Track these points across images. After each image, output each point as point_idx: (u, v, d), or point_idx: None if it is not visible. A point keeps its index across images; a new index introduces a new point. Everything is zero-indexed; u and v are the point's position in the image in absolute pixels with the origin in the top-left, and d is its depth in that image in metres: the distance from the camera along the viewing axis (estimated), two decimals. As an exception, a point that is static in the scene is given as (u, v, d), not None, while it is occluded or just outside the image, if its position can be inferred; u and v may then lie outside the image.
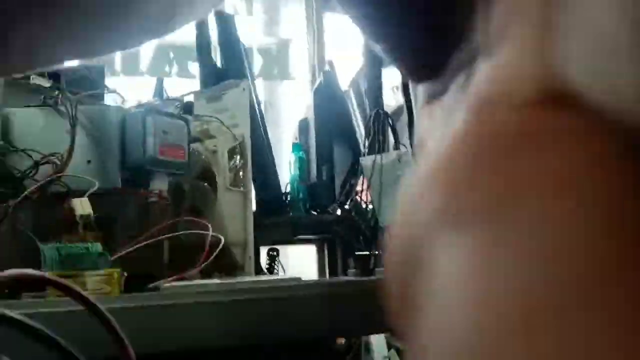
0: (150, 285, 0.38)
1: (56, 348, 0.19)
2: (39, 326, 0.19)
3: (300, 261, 2.21)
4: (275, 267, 1.66)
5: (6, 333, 0.22)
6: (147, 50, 2.86)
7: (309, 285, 0.43)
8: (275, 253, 1.76)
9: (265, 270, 1.43)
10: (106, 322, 0.21)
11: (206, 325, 0.34)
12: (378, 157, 1.91)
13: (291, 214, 1.98)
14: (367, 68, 2.22)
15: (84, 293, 0.22)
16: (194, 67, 2.87)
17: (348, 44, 2.90)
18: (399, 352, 1.18)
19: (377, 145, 1.95)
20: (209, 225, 0.67)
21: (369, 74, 2.19)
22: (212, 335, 0.34)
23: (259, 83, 2.66)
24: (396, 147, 1.92)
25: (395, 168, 1.86)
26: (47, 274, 0.21)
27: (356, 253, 2.00)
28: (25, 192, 0.57)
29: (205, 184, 0.79)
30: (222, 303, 0.33)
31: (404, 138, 1.97)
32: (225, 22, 2.01)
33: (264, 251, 1.70)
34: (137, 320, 0.24)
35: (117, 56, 2.80)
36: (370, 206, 1.96)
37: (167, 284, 0.45)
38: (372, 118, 1.96)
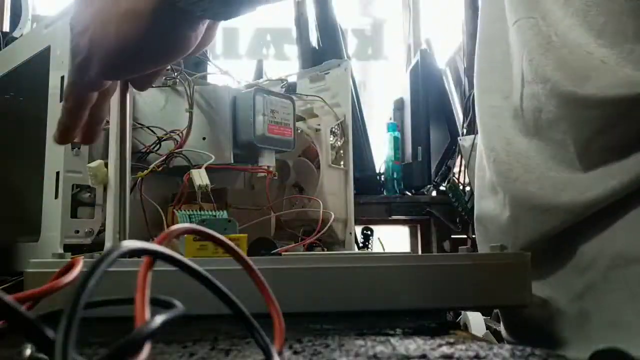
0: (273, 252, 0.40)
1: (216, 292, 0.22)
2: (205, 273, 0.22)
3: (393, 242, 2.21)
4: (370, 245, 1.68)
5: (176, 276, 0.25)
6: (245, 33, 2.96)
7: (423, 257, 0.44)
8: (369, 232, 1.78)
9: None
10: (259, 280, 0.24)
11: (332, 289, 0.36)
12: (477, 137, 1.86)
13: (385, 193, 1.98)
14: (466, 46, 2.16)
15: (243, 254, 0.24)
16: (290, 50, 2.93)
17: (445, 23, 2.82)
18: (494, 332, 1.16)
19: (476, 125, 1.90)
20: (320, 202, 0.69)
21: (468, 52, 2.13)
22: (337, 298, 0.37)
23: (353, 63, 2.66)
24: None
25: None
26: (222, 237, 0.23)
27: (452, 236, 1.97)
28: (152, 165, 0.62)
29: (308, 161, 0.82)
30: (347, 269, 0.35)
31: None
32: (323, 4, 2.03)
33: (358, 230, 1.73)
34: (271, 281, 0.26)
35: (219, 41, 2.92)
36: (468, 188, 1.92)
37: (283, 252, 0.48)
38: (471, 97, 1.91)
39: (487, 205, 0.55)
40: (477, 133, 1.91)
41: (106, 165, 0.57)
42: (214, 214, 0.53)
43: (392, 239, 2.11)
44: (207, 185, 0.59)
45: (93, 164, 0.57)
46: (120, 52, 0.38)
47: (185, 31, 0.39)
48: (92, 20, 0.39)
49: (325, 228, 0.64)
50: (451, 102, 2.11)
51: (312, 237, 0.60)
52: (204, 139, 0.70)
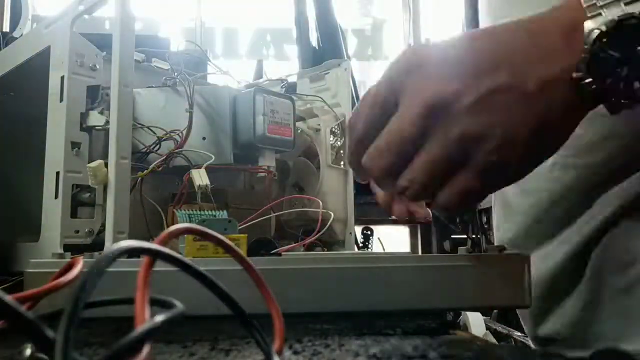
0: (272, 252, 0.40)
1: (217, 292, 0.22)
2: (206, 272, 0.22)
3: (393, 242, 2.21)
4: (370, 245, 1.68)
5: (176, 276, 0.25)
6: (245, 33, 2.96)
7: (423, 257, 0.44)
8: (369, 232, 1.78)
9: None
10: (259, 280, 0.24)
11: (332, 290, 0.36)
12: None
13: (385, 194, 1.99)
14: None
15: (243, 254, 0.24)
16: (290, 50, 2.93)
17: (445, 23, 2.82)
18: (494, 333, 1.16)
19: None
20: (320, 202, 0.70)
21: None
22: (337, 298, 0.37)
23: (353, 63, 2.66)
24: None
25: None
26: (222, 237, 0.23)
27: (452, 236, 1.97)
28: (152, 165, 0.62)
29: (308, 161, 0.82)
30: (347, 269, 0.35)
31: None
32: (323, 4, 2.04)
33: (358, 230, 1.73)
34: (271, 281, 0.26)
35: (219, 41, 2.92)
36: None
37: (283, 252, 0.48)
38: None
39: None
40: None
41: (106, 165, 0.57)
42: (214, 213, 0.53)
43: (392, 239, 2.11)
44: (207, 185, 0.59)
45: (93, 164, 0.57)
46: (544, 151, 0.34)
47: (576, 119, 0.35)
48: (529, 129, 0.33)
49: (325, 228, 0.64)
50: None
51: (312, 237, 0.60)
52: (204, 139, 0.70)
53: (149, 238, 0.62)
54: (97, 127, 0.62)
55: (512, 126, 0.32)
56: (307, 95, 0.86)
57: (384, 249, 1.14)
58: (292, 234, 0.78)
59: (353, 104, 1.10)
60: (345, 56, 1.96)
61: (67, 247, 0.57)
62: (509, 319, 1.77)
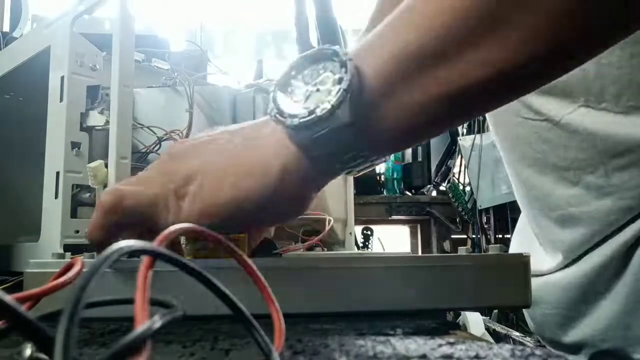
0: (274, 252, 0.40)
1: (217, 292, 0.22)
2: (203, 271, 0.22)
3: (393, 242, 2.21)
4: (370, 245, 1.68)
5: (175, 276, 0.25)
6: (246, 33, 2.96)
7: (423, 257, 0.44)
8: (369, 232, 1.78)
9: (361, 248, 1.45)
10: (259, 280, 0.24)
11: (332, 290, 0.36)
12: (477, 137, 1.86)
13: (385, 193, 1.99)
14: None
15: (244, 255, 0.24)
16: (290, 50, 2.93)
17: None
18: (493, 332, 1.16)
19: (476, 125, 1.90)
20: (321, 202, 0.70)
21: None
22: (337, 298, 0.37)
23: (353, 64, 2.66)
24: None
25: (494, 149, 1.80)
26: (222, 237, 0.23)
27: (452, 236, 1.97)
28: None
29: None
30: (347, 269, 0.35)
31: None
32: (323, 4, 2.03)
33: (358, 230, 1.73)
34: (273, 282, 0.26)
35: (218, 41, 2.92)
36: (468, 188, 1.92)
37: (284, 253, 0.48)
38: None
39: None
40: (476, 133, 1.91)
41: (106, 165, 0.57)
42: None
43: (392, 239, 2.11)
44: None
45: (93, 164, 0.57)
46: (235, 205, 0.35)
47: (310, 192, 0.38)
48: (201, 166, 0.36)
49: (327, 230, 0.64)
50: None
51: (316, 239, 0.60)
52: (204, 139, 0.70)
53: (149, 238, 0.62)
54: (97, 127, 0.62)
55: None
56: (307, 95, 0.86)
57: (384, 249, 1.14)
58: (293, 233, 0.78)
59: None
60: (345, 56, 1.95)
61: (67, 247, 0.57)
62: (509, 319, 1.77)
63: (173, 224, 0.30)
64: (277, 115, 0.34)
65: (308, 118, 0.32)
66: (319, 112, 0.32)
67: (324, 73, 0.33)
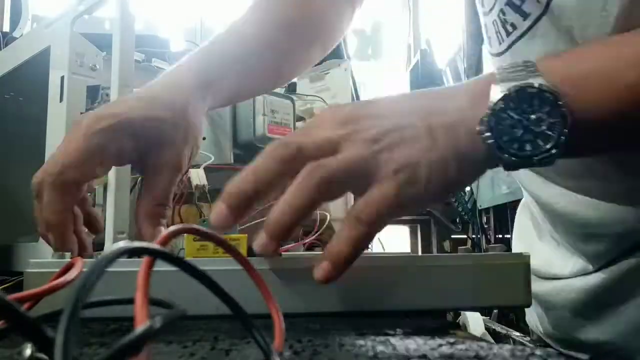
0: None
1: (217, 292, 0.22)
2: (206, 272, 0.22)
3: (393, 242, 2.22)
4: (369, 245, 1.69)
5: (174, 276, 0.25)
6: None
7: (423, 257, 0.44)
8: (369, 232, 1.78)
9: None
10: (259, 280, 0.24)
11: (332, 290, 0.36)
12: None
13: (385, 194, 1.98)
14: (467, 46, 2.15)
15: (243, 254, 0.24)
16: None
17: (445, 23, 2.82)
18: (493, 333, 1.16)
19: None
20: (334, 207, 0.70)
21: (468, 52, 2.13)
22: (337, 298, 0.37)
23: (353, 63, 2.66)
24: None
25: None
26: (222, 237, 0.23)
27: (452, 236, 1.97)
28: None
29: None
30: (349, 269, 0.35)
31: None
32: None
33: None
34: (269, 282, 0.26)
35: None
36: (468, 188, 1.92)
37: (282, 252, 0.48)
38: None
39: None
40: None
41: (106, 165, 0.57)
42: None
43: (392, 239, 2.11)
44: (204, 185, 0.60)
45: (93, 164, 0.57)
46: (449, 189, 0.37)
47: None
48: (430, 160, 0.36)
49: (323, 227, 0.64)
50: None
51: (311, 237, 0.60)
52: (204, 138, 0.70)
53: (149, 238, 0.62)
54: (97, 127, 0.62)
55: (418, 156, 0.36)
56: (307, 95, 0.86)
57: (384, 249, 1.14)
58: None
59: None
60: (345, 56, 1.96)
61: (67, 247, 0.57)
62: (509, 319, 1.77)
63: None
64: (494, 149, 0.35)
65: (522, 161, 0.35)
66: (536, 158, 0.35)
67: (538, 114, 0.35)
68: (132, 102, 0.49)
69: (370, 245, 1.53)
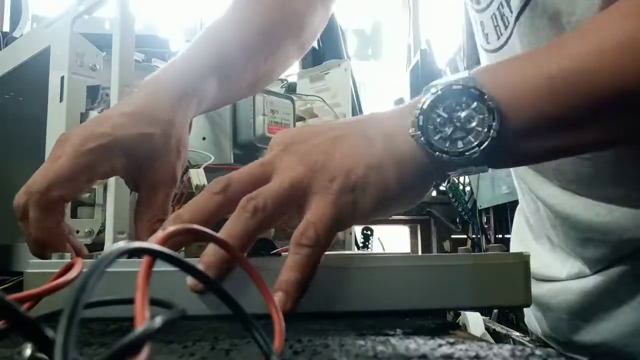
0: (272, 252, 0.40)
1: (217, 292, 0.22)
2: (205, 273, 0.22)
3: (393, 242, 2.22)
4: (370, 245, 1.68)
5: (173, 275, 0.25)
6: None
7: (423, 257, 0.44)
8: (369, 232, 1.78)
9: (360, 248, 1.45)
10: (259, 280, 0.24)
11: (332, 290, 0.36)
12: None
13: (385, 194, 1.98)
14: (467, 46, 2.15)
15: (244, 255, 0.24)
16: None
17: (445, 23, 2.82)
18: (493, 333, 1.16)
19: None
20: None
21: (468, 52, 2.12)
22: (337, 298, 0.37)
23: (353, 63, 2.66)
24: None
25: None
26: (222, 236, 0.23)
27: (452, 236, 1.97)
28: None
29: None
30: (347, 269, 0.35)
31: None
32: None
33: (358, 230, 1.73)
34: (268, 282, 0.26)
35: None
36: (468, 188, 1.92)
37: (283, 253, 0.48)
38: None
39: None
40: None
41: (106, 165, 0.57)
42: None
43: (392, 239, 2.11)
44: (204, 185, 0.60)
45: (93, 164, 0.57)
46: (393, 196, 0.38)
47: (432, 183, 0.41)
48: (367, 164, 0.37)
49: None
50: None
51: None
52: (204, 139, 0.70)
53: (149, 238, 0.62)
54: (97, 127, 0.62)
55: (353, 162, 0.37)
56: (307, 95, 0.86)
57: (384, 249, 1.14)
58: (292, 234, 0.78)
59: (353, 104, 1.10)
60: (345, 56, 1.96)
61: (67, 247, 0.57)
62: (509, 319, 1.77)
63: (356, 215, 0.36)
64: (426, 147, 0.37)
65: (457, 158, 0.36)
66: (467, 154, 0.36)
67: (467, 110, 0.36)
68: (118, 119, 0.48)
69: (370, 246, 1.52)
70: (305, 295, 0.35)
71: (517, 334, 1.28)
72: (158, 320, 0.17)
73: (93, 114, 0.62)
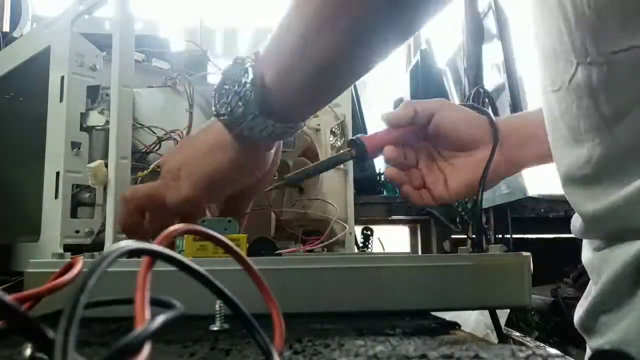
0: (275, 252, 0.40)
1: (217, 292, 0.22)
2: (206, 272, 0.22)
3: (393, 242, 2.21)
4: (370, 245, 1.68)
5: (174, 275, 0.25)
6: (245, 33, 2.95)
7: (423, 257, 0.44)
8: (369, 232, 1.78)
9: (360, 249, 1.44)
10: (259, 280, 0.24)
11: (332, 290, 0.36)
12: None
13: (385, 193, 1.98)
14: (467, 46, 2.15)
15: (243, 255, 0.24)
16: (290, 49, 2.93)
17: (445, 22, 2.82)
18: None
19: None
20: (336, 207, 0.70)
21: (468, 52, 2.12)
22: (337, 298, 0.37)
23: (353, 64, 2.65)
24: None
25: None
26: (222, 237, 0.23)
27: (452, 236, 1.97)
28: (152, 165, 0.62)
29: (308, 161, 0.82)
30: (347, 269, 0.35)
31: (504, 117, 1.90)
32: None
33: (358, 230, 1.72)
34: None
35: (219, 41, 2.91)
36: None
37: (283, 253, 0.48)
38: (471, 96, 1.90)
39: None
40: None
41: (106, 165, 0.57)
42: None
43: (392, 239, 2.11)
44: None
45: (93, 164, 0.57)
46: (210, 177, 0.50)
47: (257, 156, 0.52)
48: (184, 158, 0.52)
49: (328, 230, 0.64)
50: (451, 101, 2.12)
51: (321, 240, 0.60)
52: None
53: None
54: (97, 127, 0.62)
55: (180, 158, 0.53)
56: (307, 95, 0.86)
57: (384, 249, 1.14)
58: (293, 234, 0.78)
59: (353, 104, 1.10)
60: (345, 56, 1.95)
61: (67, 247, 0.57)
62: (509, 319, 1.77)
63: (176, 199, 0.50)
64: (215, 115, 0.49)
65: (231, 117, 0.47)
66: (236, 109, 0.47)
67: (240, 78, 0.47)
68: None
69: (370, 245, 1.52)
70: (305, 295, 0.35)
71: (517, 334, 1.28)
72: (158, 320, 0.17)
73: (93, 114, 0.62)
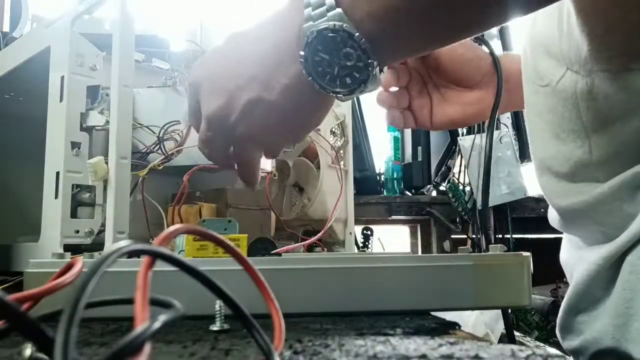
0: (273, 252, 0.40)
1: (217, 292, 0.22)
2: (206, 273, 0.22)
3: (393, 242, 2.21)
4: (370, 245, 1.68)
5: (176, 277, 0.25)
6: (245, 33, 2.95)
7: (423, 257, 0.44)
8: (369, 232, 1.78)
9: (360, 248, 1.45)
10: (259, 280, 0.24)
11: (332, 290, 0.36)
12: (477, 137, 1.86)
13: (385, 193, 1.98)
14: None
15: (243, 254, 0.24)
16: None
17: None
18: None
19: (476, 126, 1.89)
20: (336, 207, 0.70)
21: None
22: (337, 298, 0.37)
23: (353, 64, 2.65)
24: (496, 127, 1.86)
25: (494, 149, 1.80)
26: (222, 237, 0.23)
27: (452, 236, 1.97)
28: (152, 164, 0.62)
29: (308, 161, 0.82)
30: (347, 269, 0.35)
31: (505, 117, 1.90)
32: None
33: (358, 230, 1.72)
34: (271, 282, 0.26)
35: (218, 40, 2.91)
36: (468, 188, 1.92)
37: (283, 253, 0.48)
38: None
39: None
40: (476, 133, 1.91)
41: (106, 162, 0.57)
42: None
43: (392, 239, 2.11)
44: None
45: (93, 160, 0.57)
46: (282, 122, 0.45)
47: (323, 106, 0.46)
48: (250, 96, 0.44)
49: (326, 227, 0.64)
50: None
51: (317, 238, 0.60)
52: (204, 139, 0.70)
53: (149, 238, 0.62)
54: (97, 127, 0.62)
55: (268, 126, 0.45)
56: (307, 95, 0.86)
57: (384, 249, 1.14)
58: (293, 233, 0.78)
59: (353, 104, 1.10)
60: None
61: (67, 247, 0.57)
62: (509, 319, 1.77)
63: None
64: (320, 90, 0.42)
65: (349, 95, 0.41)
66: (357, 91, 0.41)
67: (344, 50, 0.40)
68: None
69: (370, 245, 1.52)
70: (305, 295, 0.35)
71: (517, 334, 1.28)
72: (158, 320, 0.17)
73: (93, 114, 0.62)
